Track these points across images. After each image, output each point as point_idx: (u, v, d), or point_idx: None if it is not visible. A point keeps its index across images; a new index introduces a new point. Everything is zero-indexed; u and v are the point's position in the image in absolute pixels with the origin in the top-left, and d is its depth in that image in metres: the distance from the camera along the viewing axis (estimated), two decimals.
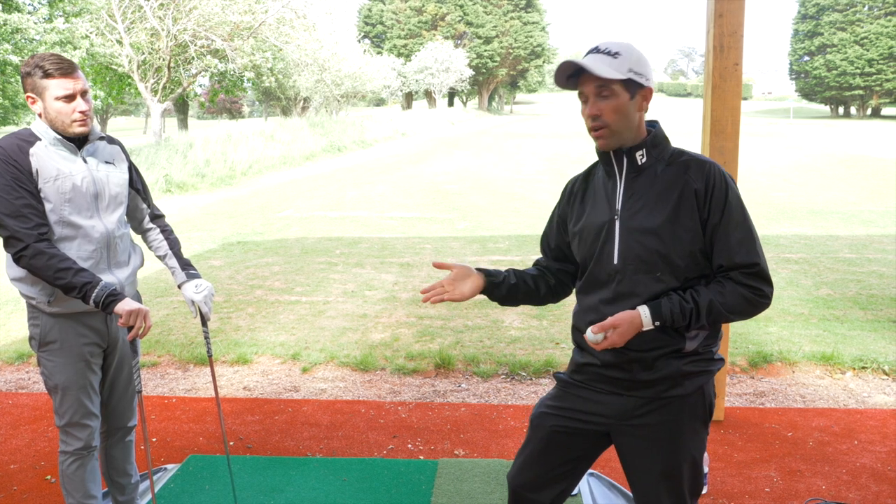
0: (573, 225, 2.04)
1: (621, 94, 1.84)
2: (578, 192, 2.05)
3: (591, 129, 1.89)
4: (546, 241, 2.19)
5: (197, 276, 2.71)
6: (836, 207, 12.76)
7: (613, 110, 1.85)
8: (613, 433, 2.00)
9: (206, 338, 2.79)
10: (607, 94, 1.85)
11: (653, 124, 1.96)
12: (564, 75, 1.88)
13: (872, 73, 56.19)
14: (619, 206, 1.91)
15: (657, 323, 1.82)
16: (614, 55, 1.84)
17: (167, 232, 2.78)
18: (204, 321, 2.71)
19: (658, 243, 1.84)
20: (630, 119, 1.87)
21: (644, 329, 1.83)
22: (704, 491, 3.18)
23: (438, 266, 2.08)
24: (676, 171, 1.87)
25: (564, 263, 2.15)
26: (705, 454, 3.15)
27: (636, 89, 1.86)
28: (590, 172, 2.06)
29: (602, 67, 1.83)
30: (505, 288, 2.11)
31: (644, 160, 1.90)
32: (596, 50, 1.87)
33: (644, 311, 1.83)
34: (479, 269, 2.09)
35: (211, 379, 2.90)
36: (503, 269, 2.16)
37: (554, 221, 2.14)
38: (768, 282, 1.84)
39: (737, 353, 4.98)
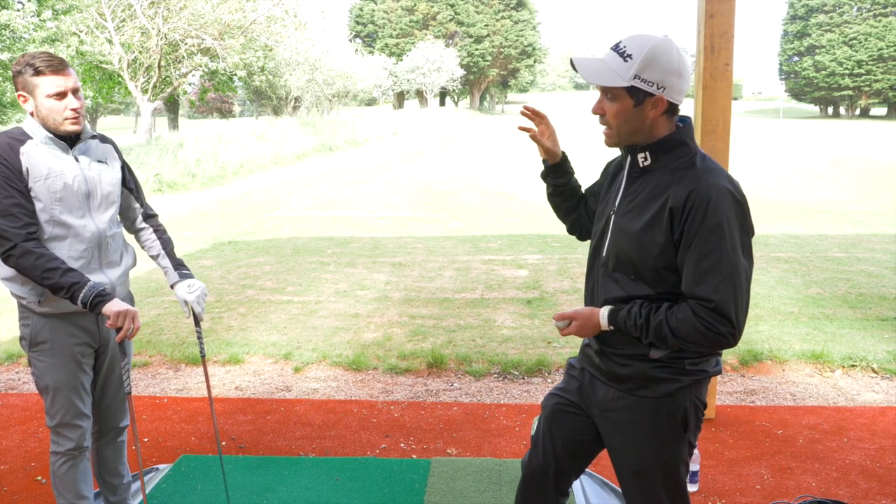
0: (597, 203, 2.11)
1: (624, 99, 1.80)
2: (610, 174, 2.08)
3: (600, 124, 1.91)
4: (589, 192, 2.26)
5: (190, 275, 2.70)
6: (825, 207, 12.85)
7: (615, 114, 1.83)
8: (597, 422, 2.04)
9: (199, 338, 2.78)
10: (611, 96, 1.83)
11: (683, 120, 1.88)
12: (576, 70, 1.88)
13: (861, 73, 56.62)
14: (616, 202, 1.93)
15: (611, 327, 1.88)
16: (626, 57, 1.77)
17: (160, 231, 2.77)
18: (197, 321, 2.70)
19: (632, 248, 1.84)
20: (634, 124, 1.83)
21: (602, 329, 1.90)
22: (695, 489, 3.19)
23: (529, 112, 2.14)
24: (671, 181, 1.79)
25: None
26: (696, 453, 3.18)
27: (643, 97, 1.78)
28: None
29: (603, 72, 1.80)
30: (562, 183, 2.23)
31: (647, 163, 1.86)
32: (615, 47, 1.81)
33: (603, 313, 1.89)
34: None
35: (204, 379, 2.89)
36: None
37: (594, 188, 2.22)
38: (728, 321, 1.71)
39: (727, 352, 5.00)
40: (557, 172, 2.23)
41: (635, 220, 1.84)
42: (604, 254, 1.95)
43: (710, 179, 1.75)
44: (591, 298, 2.01)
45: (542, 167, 2.26)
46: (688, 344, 1.78)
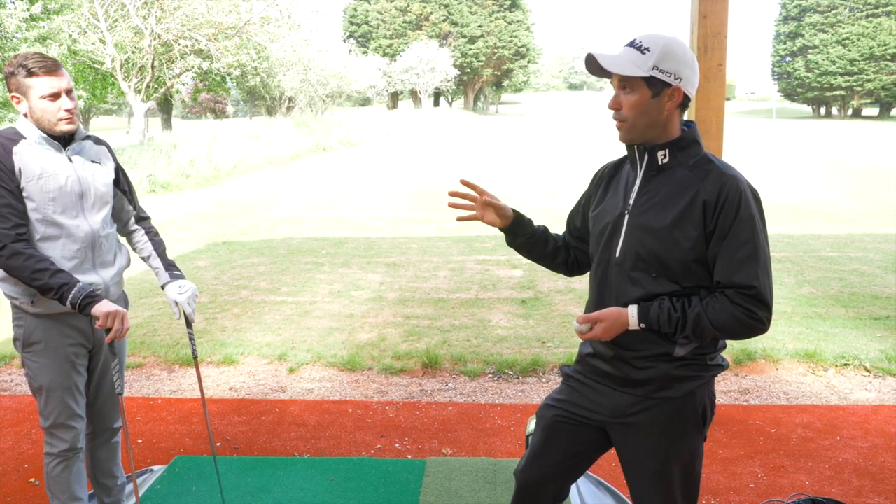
0: (593, 209, 2.06)
1: (642, 90, 1.83)
2: (605, 178, 2.07)
3: (614, 119, 1.91)
4: (572, 219, 2.21)
5: (181, 276, 2.69)
6: (818, 207, 12.90)
7: (632, 106, 1.85)
8: (609, 430, 2.01)
9: (191, 339, 2.76)
10: (629, 88, 1.85)
11: (688, 124, 1.93)
12: (590, 67, 1.89)
13: (854, 73, 56.88)
14: (631, 201, 1.91)
15: (642, 325, 1.84)
16: (643, 50, 1.82)
17: (152, 233, 2.77)
18: (188, 322, 2.69)
19: (657, 245, 1.84)
20: (651, 116, 1.85)
21: (630, 328, 1.85)
22: None
23: (466, 184, 2.12)
24: (694, 177, 1.84)
25: (585, 244, 2.17)
26: None
27: (661, 87, 1.82)
28: (622, 161, 2.05)
29: (622, 63, 1.83)
30: (528, 234, 2.16)
31: (666, 160, 1.88)
32: (631, 43, 1.86)
33: (632, 311, 1.84)
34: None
35: (197, 380, 2.88)
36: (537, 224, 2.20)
37: (581, 202, 2.17)
38: (765, 306, 1.79)
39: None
40: (521, 227, 2.15)
41: (660, 216, 1.85)
42: (617, 254, 1.91)
43: (735, 175, 1.83)
44: (601, 302, 1.96)
45: (504, 237, 2.16)
46: (725, 334, 1.83)
